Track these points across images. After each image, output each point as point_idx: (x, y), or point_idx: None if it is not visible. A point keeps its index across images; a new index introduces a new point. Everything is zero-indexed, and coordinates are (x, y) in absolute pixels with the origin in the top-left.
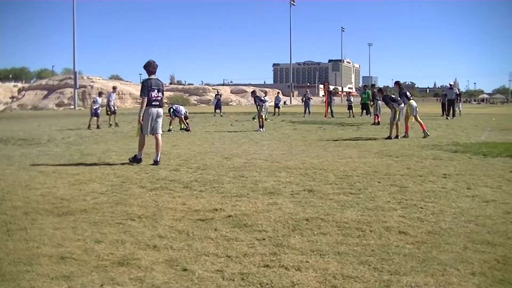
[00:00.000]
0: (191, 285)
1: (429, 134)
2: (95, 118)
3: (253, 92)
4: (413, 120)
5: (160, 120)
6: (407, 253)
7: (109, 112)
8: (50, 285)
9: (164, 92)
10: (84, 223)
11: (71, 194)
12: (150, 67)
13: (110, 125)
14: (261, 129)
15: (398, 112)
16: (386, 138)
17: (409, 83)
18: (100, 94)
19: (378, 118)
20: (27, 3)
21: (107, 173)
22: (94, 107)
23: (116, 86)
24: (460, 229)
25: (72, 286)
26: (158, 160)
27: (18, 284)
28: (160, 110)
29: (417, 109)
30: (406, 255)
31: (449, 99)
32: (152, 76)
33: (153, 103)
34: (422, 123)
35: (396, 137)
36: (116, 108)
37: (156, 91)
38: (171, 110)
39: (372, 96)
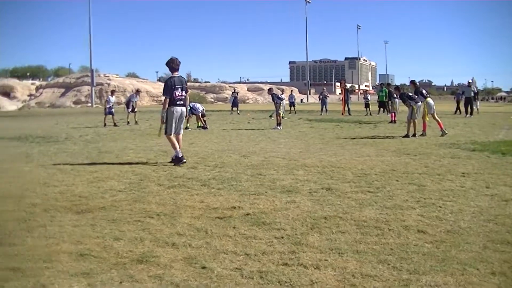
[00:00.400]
0: (210, 283)
1: (446, 132)
2: (110, 116)
3: (270, 90)
4: (428, 119)
5: (183, 120)
6: (426, 252)
7: (129, 111)
8: (69, 282)
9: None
10: (102, 220)
11: (90, 191)
12: (173, 64)
13: (128, 122)
14: (278, 127)
15: (415, 110)
16: (404, 136)
17: (426, 81)
18: (112, 92)
19: (395, 116)
20: (44, 2)
21: (125, 170)
22: (108, 106)
23: (140, 90)
24: (480, 228)
25: (91, 283)
26: None
27: (38, 281)
28: (184, 109)
29: (435, 107)
30: (425, 254)
31: (467, 97)
32: (175, 74)
33: (177, 102)
34: (440, 121)
35: (414, 135)
36: (136, 109)
37: (179, 89)
38: (188, 107)
39: (389, 94)
